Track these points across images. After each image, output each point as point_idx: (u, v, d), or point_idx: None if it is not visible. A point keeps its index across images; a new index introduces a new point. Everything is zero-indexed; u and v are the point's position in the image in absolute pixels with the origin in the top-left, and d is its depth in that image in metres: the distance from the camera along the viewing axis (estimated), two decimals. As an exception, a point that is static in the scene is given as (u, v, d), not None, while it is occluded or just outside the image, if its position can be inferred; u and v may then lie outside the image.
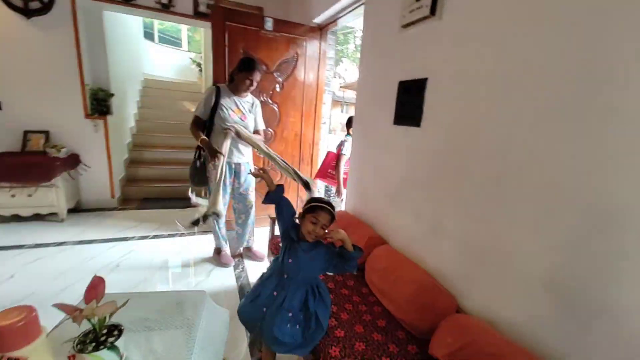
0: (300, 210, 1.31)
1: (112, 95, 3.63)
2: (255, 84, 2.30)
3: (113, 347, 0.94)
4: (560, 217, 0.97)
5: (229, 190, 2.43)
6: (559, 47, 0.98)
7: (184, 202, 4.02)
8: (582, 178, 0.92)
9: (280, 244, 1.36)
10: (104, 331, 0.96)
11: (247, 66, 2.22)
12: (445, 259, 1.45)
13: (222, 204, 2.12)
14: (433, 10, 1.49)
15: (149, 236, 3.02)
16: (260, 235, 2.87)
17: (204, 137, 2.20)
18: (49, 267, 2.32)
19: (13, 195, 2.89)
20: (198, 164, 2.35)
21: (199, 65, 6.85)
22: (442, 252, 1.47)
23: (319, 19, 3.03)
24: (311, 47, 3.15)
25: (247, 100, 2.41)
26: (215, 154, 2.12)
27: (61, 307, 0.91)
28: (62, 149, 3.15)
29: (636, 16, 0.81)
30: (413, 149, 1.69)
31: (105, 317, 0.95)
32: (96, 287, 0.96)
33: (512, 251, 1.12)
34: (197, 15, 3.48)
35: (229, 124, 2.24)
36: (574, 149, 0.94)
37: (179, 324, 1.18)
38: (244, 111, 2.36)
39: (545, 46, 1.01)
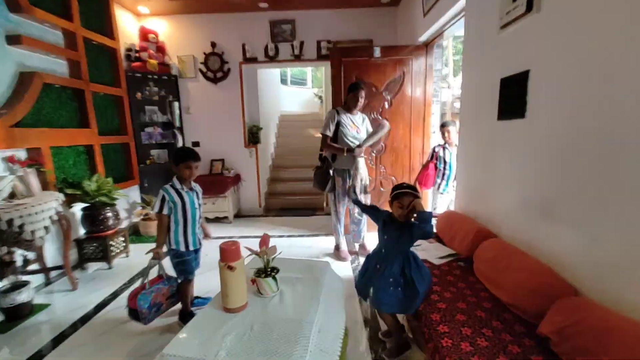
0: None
1: (261, 128, 4.82)
2: (361, 100, 2.77)
3: (274, 278, 1.44)
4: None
5: (346, 197, 2.88)
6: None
7: (311, 212, 4.79)
8: None
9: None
10: (269, 269, 1.48)
11: (353, 88, 2.76)
12: (562, 247, 1.39)
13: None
14: (530, 7, 1.55)
15: (284, 235, 3.79)
16: (372, 235, 3.17)
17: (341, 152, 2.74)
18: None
19: (205, 203, 4.24)
20: (328, 172, 2.86)
21: (320, 97, 8.02)
22: (559, 240, 1.41)
23: (424, 37, 3.26)
24: (417, 64, 3.39)
25: (358, 117, 2.88)
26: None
27: (248, 248, 1.48)
28: (231, 170, 4.41)
29: None
30: (518, 139, 1.69)
31: (270, 259, 1.47)
32: (265, 240, 1.51)
33: None
34: (320, 57, 4.30)
35: (350, 141, 2.76)
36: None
37: (311, 278, 1.62)
38: (358, 125, 2.83)
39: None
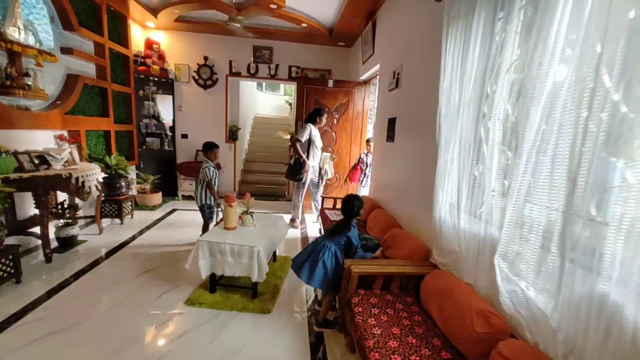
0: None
1: (239, 128, 5.97)
2: (324, 120, 4.09)
3: (252, 216, 2.69)
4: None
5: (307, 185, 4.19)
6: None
7: (275, 197, 6.02)
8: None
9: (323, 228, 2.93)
10: (249, 212, 2.73)
11: (320, 112, 4.01)
12: (403, 212, 2.81)
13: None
14: (397, 84, 2.97)
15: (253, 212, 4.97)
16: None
17: (305, 158, 3.97)
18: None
19: (191, 184, 5.30)
20: (295, 165, 4.10)
21: (289, 104, 9.25)
22: (405, 209, 2.83)
23: (363, 77, 4.67)
24: (358, 94, 4.79)
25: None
26: (305, 167, 3.96)
27: (238, 198, 2.71)
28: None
29: None
30: (392, 152, 3.11)
31: (250, 205, 2.72)
32: (247, 195, 2.75)
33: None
34: (290, 78, 5.58)
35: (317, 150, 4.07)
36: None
37: (270, 222, 2.89)
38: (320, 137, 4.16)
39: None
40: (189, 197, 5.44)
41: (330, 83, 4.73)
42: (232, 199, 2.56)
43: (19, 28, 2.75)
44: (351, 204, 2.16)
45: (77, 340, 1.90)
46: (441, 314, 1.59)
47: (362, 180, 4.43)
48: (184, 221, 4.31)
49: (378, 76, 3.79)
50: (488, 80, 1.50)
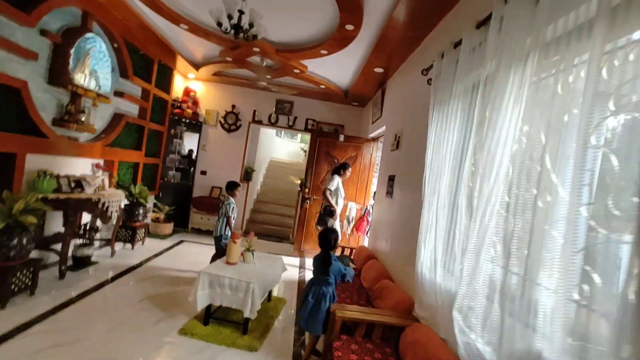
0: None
1: (254, 170, 6.40)
2: (348, 173, 4.37)
3: (253, 254, 2.89)
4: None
5: None
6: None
7: (280, 239, 6.18)
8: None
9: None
10: (251, 249, 2.93)
11: (345, 166, 4.34)
12: (389, 256, 2.94)
13: None
14: (398, 146, 3.30)
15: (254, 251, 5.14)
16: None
17: (335, 206, 4.23)
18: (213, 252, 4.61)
19: (202, 218, 5.59)
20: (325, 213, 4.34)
21: (305, 151, 9.83)
22: (393, 255, 2.97)
23: (371, 135, 5.09)
24: (367, 150, 5.18)
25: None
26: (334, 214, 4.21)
27: (242, 235, 2.94)
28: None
29: None
30: (391, 206, 3.33)
31: (252, 244, 2.93)
32: (251, 234, 2.97)
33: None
34: (306, 130, 6.11)
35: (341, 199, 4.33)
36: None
37: (270, 262, 3.06)
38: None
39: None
40: (198, 230, 5.70)
41: (342, 137, 5.17)
42: (237, 236, 2.79)
43: (85, 75, 3.35)
44: (328, 237, 2.32)
45: (76, 355, 2.04)
46: (415, 366, 1.66)
47: (368, 231, 4.59)
48: (189, 253, 4.51)
49: (384, 136, 4.17)
50: (462, 156, 1.77)
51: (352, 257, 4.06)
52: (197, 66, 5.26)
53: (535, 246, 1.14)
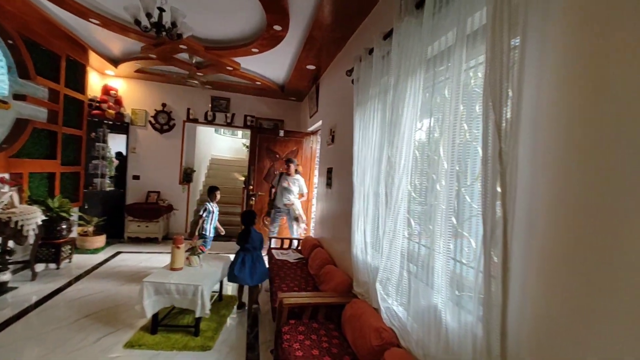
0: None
1: (194, 170, 6.15)
2: (289, 168, 4.47)
3: (199, 256, 2.89)
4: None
5: None
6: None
7: (228, 238, 6.09)
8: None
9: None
10: (196, 251, 2.93)
11: (289, 162, 4.47)
12: (330, 241, 3.21)
13: None
14: (333, 141, 3.54)
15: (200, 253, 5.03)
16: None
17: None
18: (155, 259, 4.40)
19: (139, 226, 5.24)
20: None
21: (247, 147, 9.67)
22: (332, 239, 3.23)
23: (310, 129, 5.28)
24: (306, 143, 5.37)
25: (294, 177, 4.53)
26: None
27: (186, 240, 2.91)
28: (165, 201, 5.56)
29: None
30: (330, 196, 3.58)
31: (197, 247, 2.93)
32: (195, 238, 2.96)
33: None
34: (245, 126, 6.05)
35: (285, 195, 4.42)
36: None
37: (215, 263, 3.09)
38: (291, 183, 4.48)
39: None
40: (136, 239, 5.34)
41: (282, 133, 5.27)
42: (180, 241, 2.76)
43: (-27, 77, 2.88)
44: (252, 215, 3.24)
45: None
46: (353, 335, 1.93)
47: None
48: (128, 264, 4.24)
49: (320, 130, 4.39)
50: (381, 151, 2.04)
51: (299, 247, 4.27)
52: (115, 62, 4.80)
53: (435, 221, 1.44)
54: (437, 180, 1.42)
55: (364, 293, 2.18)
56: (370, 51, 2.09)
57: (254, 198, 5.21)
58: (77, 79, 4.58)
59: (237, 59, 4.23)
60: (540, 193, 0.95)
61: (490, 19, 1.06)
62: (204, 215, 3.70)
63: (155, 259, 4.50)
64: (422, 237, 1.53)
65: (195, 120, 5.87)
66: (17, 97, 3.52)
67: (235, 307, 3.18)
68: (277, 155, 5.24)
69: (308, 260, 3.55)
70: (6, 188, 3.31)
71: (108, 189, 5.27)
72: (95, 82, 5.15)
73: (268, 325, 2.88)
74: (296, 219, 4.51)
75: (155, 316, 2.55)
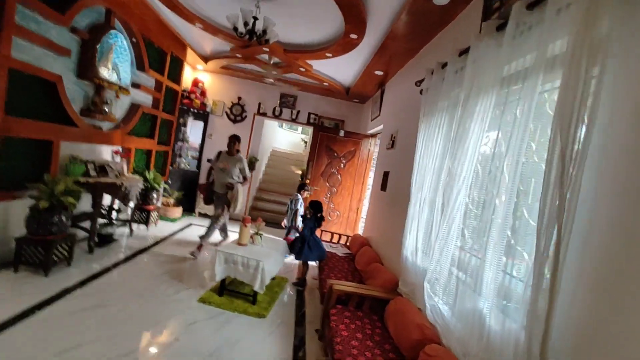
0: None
1: (258, 160, 6.74)
2: (234, 146, 4.14)
3: (261, 237, 3.28)
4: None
5: None
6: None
7: (279, 226, 6.58)
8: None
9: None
10: (259, 233, 3.32)
11: (235, 138, 4.21)
12: (378, 242, 3.35)
13: None
14: (393, 146, 3.66)
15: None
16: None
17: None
18: (218, 235, 4.99)
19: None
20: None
21: (305, 142, 10.15)
22: (384, 243, 3.38)
23: (370, 132, 5.43)
24: (365, 145, 5.53)
25: (236, 157, 4.15)
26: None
27: (250, 220, 3.33)
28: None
29: None
30: (384, 198, 3.72)
31: (259, 227, 3.32)
32: (259, 219, 3.36)
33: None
34: (308, 123, 6.43)
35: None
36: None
37: (275, 244, 3.46)
38: (230, 163, 4.09)
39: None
40: (205, 215, 6.08)
41: (342, 133, 5.51)
42: (248, 221, 3.17)
43: (108, 69, 3.64)
44: (320, 203, 3.70)
45: (115, 315, 2.44)
46: (395, 328, 2.08)
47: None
48: (197, 235, 4.89)
49: (381, 134, 4.53)
50: (442, 161, 2.14)
51: (348, 244, 4.48)
52: (206, 59, 5.51)
53: (489, 234, 1.53)
54: (497, 195, 1.50)
55: (409, 293, 2.31)
56: (444, 65, 2.19)
57: (308, 192, 5.55)
58: (176, 72, 5.38)
59: (311, 62, 4.56)
60: (601, 216, 1.01)
61: (570, 48, 1.12)
62: (298, 207, 4.19)
63: (217, 235, 5.12)
64: (473, 247, 1.63)
65: (264, 114, 6.43)
66: (134, 85, 4.31)
67: (291, 283, 3.65)
68: (336, 154, 5.50)
69: (355, 256, 3.75)
70: (119, 159, 4.11)
71: (187, 168, 6.08)
72: (188, 75, 5.97)
73: (314, 308, 3.16)
74: (227, 204, 4.03)
75: (222, 280, 2.99)
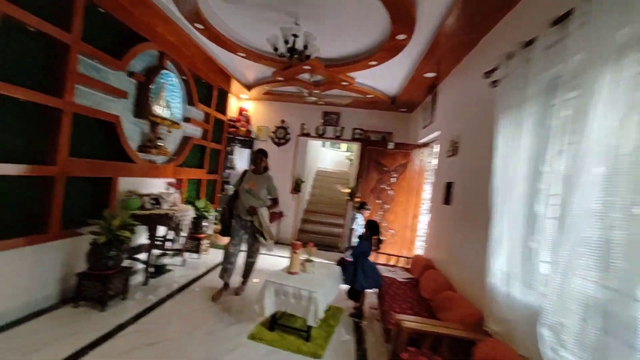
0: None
1: (304, 181, 6.61)
2: (261, 162, 3.45)
3: (312, 264, 2.99)
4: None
5: None
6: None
7: (330, 248, 6.26)
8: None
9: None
10: (310, 259, 3.03)
11: (261, 152, 3.55)
12: (451, 268, 2.83)
13: None
14: (455, 152, 3.19)
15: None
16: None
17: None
18: (269, 260, 4.82)
19: (257, 228, 5.90)
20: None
21: (350, 160, 9.88)
22: (452, 265, 2.85)
23: (422, 140, 4.97)
24: (416, 156, 5.07)
25: (264, 176, 3.43)
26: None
27: (301, 244, 3.07)
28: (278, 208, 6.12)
29: None
30: (450, 216, 3.22)
31: (311, 253, 3.03)
32: (310, 244, 3.08)
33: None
34: (353, 139, 6.18)
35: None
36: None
37: (329, 272, 3.14)
38: (257, 183, 3.35)
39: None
40: (254, 240, 6.01)
41: (391, 145, 5.13)
42: (298, 247, 2.92)
43: (161, 106, 3.82)
44: (378, 225, 3.35)
45: (163, 354, 2.29)
46: (494, 384, 1.58)
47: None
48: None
49: (438, 142, 4.06)
50: (540, 160, 1.68)
51: (408, 266, 3.98)
52: (249, 87, 5.66)
53: (635, 259, 1.04)
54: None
55: (503, 333, 1.80)
56: (527, 43, 1.77)
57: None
58: (222, 103, 5.58)
59: (353, 74, 4.36)
60: None
61: None
62: (354, 226, 3.93)
63: (269, 260, 4.97)
64: (607, 276, 1.14)
65: (308, 135, 6.34)
66: (185, 119, 4.50)
67: (348, 314, 3.27)
68: (385, 168, 5.11)
69: (419, 281, 3.25)
70: (172, 190, 4.22)
71: (236, 194, 6.16)
72: (232, 105, 6.19)
73: (376, 344, 2.72)
74: (259, 234, 3.32)
75: (273, 314, 2.73)
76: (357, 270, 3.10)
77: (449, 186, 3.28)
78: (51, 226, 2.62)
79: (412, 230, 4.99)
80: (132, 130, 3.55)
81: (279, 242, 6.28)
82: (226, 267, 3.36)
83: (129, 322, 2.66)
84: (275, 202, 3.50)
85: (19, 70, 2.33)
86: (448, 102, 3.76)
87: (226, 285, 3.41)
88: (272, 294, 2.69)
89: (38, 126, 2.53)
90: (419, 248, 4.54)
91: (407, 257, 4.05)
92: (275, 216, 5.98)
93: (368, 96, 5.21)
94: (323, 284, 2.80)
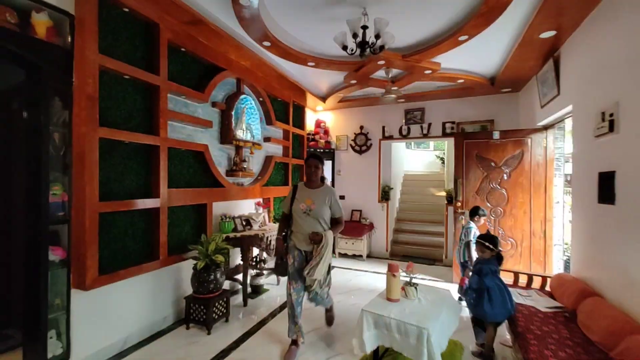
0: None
1: (392, 188, 6.05)
2: (315, 172, 2.57)
3: (416, 288, 2.46)
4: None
5: None
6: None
7: (431, 261, 5.47)
8: None
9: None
10: (412, 283, 2.51)
11: (316, 157, 2.66)
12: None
13: None
14: (611, 128, 2.24)
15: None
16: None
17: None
18: (361, 279, 4.42)
19: (346, 243, 5.61)
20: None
21: (441, 159, 8.77)
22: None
23: (543, 122, 3.86)
24: (536, 143, 3.97)
25: (322, 189, 2.60)
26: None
27: (397, 267, 2.57)
28: (367, 220, 5.70)
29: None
30: (614, 218, 2.25)
31: (413, 276, 2.51)
32: (410, 265, 2.57)
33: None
34: (444, 135, 5.35)
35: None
36: None
37: (436, 298, 2.54)
38: (316, 200, 2.52)
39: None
40: (344, 255, 5.73)
41: (496, 134, 4.18)
42: (396, 269, 2.45)
43: (243, 130, 3.94)
44: (496, 238, 2.63)
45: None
46: None
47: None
48: (338, 279, 4.47)
49: (571, 119, 3.04)
50: None
51: (547, 288, 3.01)
52: (323, 98, 5.52)
53: None
54: None
55: None
56: None
57: (463, 217, 4.35)
58: (299, 118, 5.59)
59: (436, 59, 3.72)
60: None
61: None
62: (471, 239, 3.28)
63: (360, 277, 4.57)
64: None
65: (390, 137, 5.80)
66: (265, 139, 4.59)
67: (471, 353, 2.64)
68: (493, 164, 4.17)
69: (577, 313, 2.33)
70: (260, 210, 4.29)
71: (322, 208, 6.02)
72: (310, 118, 6.16)
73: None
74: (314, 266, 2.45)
75: (375, 351, 2.31)
76: (482, 295, 2.43)
77: (605, 178, 2.31)
78: (160, 253, 2.83)
79: (544, 239, 3.88)
80: (219, 157, 3.72)
81: (370, 256, 5.84)
82: (292, 322, 2.57)
83: (232, 347, 2.67)
84: (339, 222, 2.64)
85: (121, 115, 2.60)
86: (584, 64, 2.75)
87: (295, 342, 2.59)
88: (372, 326, 2.27)
89: (141, 163, 2.79)
90: (559, 263, 3.45)
91: (545, 276, 3.06)
92: (365, 228, 5.58)
93: (458, 81, 4.41)
94: (435, 315, 2.24)
